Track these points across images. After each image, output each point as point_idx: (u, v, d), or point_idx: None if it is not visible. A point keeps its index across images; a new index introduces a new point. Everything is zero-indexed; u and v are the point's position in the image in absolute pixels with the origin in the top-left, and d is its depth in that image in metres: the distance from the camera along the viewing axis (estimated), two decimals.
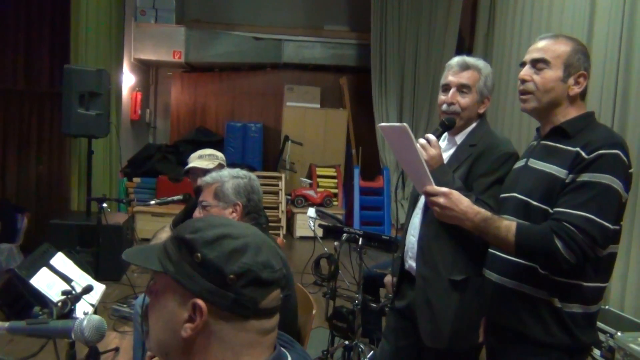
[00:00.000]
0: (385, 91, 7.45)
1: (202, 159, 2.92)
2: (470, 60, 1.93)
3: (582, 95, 1.65)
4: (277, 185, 7.48)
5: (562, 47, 1.61)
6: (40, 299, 3.13)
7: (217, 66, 8.53)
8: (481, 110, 1.93)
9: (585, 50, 1.64)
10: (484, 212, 1.59)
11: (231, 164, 2.90)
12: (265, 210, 2.30)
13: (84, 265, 3.63)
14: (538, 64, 1.62)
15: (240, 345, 0.87)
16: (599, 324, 2.74)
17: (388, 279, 2.24)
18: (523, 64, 1.68)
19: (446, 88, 1.94)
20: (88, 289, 2.00)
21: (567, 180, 1.52)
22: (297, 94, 8.10)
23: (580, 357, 1.62)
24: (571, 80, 1.60)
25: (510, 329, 1.63)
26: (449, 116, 1.91)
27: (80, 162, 5.45)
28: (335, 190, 7.64)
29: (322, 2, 8.49)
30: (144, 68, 8.33)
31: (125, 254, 0.94)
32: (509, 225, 1.55)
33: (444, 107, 1.93)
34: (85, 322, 1.25)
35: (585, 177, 1.49)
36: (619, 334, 2.79)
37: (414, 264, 1.93)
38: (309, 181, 7.59)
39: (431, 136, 1.81)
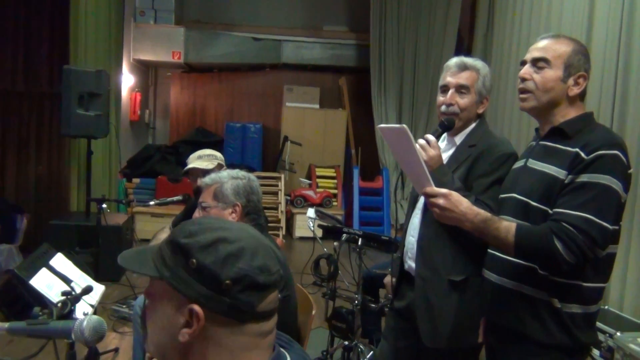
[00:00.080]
0: (385, 91, 7.45)
1: (201, 159, 2.93)
2: (468, 60, 1.93)
3: (582, 96, 1.65)
4: (277, 186, 7.47)
5: (563, 47, 1.62)
6: (40, 299, 3.13)
7: (217, 67, 8.52)
8: (480, 111, 1.93)
9: (586, 52, 1.65)
10: (483, 213, 1.59)
11: (230, 165, 2.90)
12: (265, 211, 2.30)
13: (84, 265, 3.63)
14: (539, 63, 1.62)
15: (238, 349, 0.87)
16: (599, 324, 2.74)
17: (387, 279, 2.23)
18: (523, 63, 1.68)
19: (445, 89, 1.94)
20: (88, 290, 1.99)
21: (566, 181, 1.52)
22: (296, 94, 8.11)
23: (579, 357, 1.62)
24: (571, 81, 1.61)
25: (509, 329, 1.63)
26: (448, 117, 1.91)
27: (80, 162, 5.45)
28: (335, 191, 7.64)
29: (321, 2, 8.50)
30: (144, 68, 8.32)
31: (121, 257, 0.92)
32: (508, 226, 1.55)
33: (443, 108, 1.93)
34: (85, 323, 1.26)
35: (584, 177, 1.49)
36: (618, 334, 2.79)
37: (413, 265, 1.94)
38: (309, 181, 7.59)
39: (430, 137, 1.81)
